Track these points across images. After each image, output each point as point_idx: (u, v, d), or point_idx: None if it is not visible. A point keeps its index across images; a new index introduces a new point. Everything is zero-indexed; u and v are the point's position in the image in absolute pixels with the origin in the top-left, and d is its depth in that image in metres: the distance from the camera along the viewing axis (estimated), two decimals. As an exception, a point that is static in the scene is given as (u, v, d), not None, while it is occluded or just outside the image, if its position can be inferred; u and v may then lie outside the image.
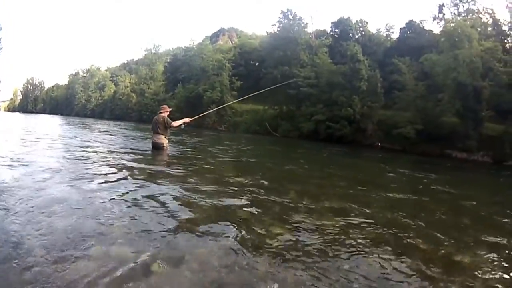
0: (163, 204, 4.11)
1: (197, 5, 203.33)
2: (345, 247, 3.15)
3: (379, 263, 2.84)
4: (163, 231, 3.25)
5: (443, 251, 3.29)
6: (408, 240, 3.51)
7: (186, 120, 9.19)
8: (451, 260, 3.07)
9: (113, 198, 4.17)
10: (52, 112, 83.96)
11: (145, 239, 3.02)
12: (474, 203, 6.07)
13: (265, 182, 6.13)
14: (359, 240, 3.33)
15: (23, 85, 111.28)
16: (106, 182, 5.03)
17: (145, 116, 45.55)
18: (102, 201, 4.04)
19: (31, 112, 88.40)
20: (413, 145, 19.48)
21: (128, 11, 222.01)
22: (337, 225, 3.80)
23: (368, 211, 4.54)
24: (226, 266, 2.64)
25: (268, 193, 5.17)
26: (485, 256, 3.25)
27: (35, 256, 2.52)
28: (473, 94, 18.03)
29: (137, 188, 4.81)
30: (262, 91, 14.78)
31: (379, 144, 21.48)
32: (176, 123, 8.86)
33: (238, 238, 3.21)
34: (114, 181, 5.11)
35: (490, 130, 18.34)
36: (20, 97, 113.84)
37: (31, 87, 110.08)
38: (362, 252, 3.05)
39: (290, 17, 32.90)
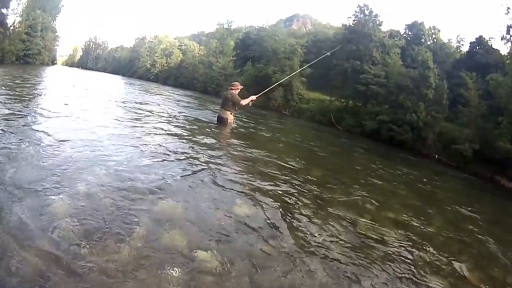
0: (221, 189, 4.28)
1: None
2: (403, 267, 3.46)
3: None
4: (219, 222, 3.38)
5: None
6: (460, 269, 3.80)
7: (253, 97, 9.67)
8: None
9: (170, 175, 4.36)
10: (114, 72, 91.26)
11: (201, 230, 3.12)
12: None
13: (331, 179, 6.78)
14: (418, 262, 3.66)
15: (85, 42, 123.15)
16: (165, 154, 5.43)
17: (210, 88, 50.38)
18: (157, 176, 4.19)
19: (91, 69, 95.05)
20: (467, 163, 20.59)
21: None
22: (397, 240, 4.14)
23: (427, 229, 5.00)
24: (283, 271, 2.80)
25: (332, 192, 5.66)
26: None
27: (72, 237, 2.56)
28: (530, 123, 19.00)
29: (196, 165, 5.09)
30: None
31: (436, 156, 22.72)
32: (244, 101, 9.37)
33: (296, 242, 3.37)
34: (173, 156, 5.46)
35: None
36: (81, 53, 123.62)
37: (94, 45, 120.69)
38: (417, 276, 3.35)
39: (366, 12, 34.98)
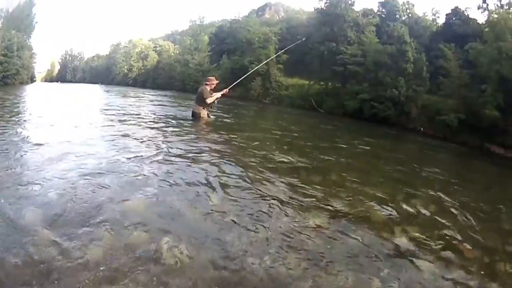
0: (190, 182, 4.13)
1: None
2: (389, 245, 3.16)
3: (422, 268, 2.83)
4: (188, 213, 3.27)
5: (487, 261, 3.28)
6: (453, 243, 3.49)
7: (218, 95, 9.90)
8: (495, 271, 3.09)
9: (141, 171, 4.30)
10: (92, 81, 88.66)
11: (171, 225, 2.97)
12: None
13: (307, 161, 6.36)
14: (404, 239, 3.32)
15: (62, 56, 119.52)
16: (136, 147, 5.61)
17: (189, 86, 49.27)
18: (127, 173, 4.15)
19: (70, 82, 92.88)
20: (454, 134, 20.17)
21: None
22: (380, 218, 3.80)
23: (413, 201, 4.64)
24: (257, 260, 2.60)
25: (309, 174, 5.36)
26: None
27: (40, 237, 2.47)
28: (515, 90, 18.38)
29: (167, 160, 5.01)
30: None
31: (422, 129, 22.29)
32: (209, 100, 9.64)
33: (270, 227, 3.16)
34: (145, 149, 5.57)
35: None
36: (58, 67, 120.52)
37: (70, 58, 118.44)
38: (405, 254, 3.04)
39: (338, -7, 34.39)
